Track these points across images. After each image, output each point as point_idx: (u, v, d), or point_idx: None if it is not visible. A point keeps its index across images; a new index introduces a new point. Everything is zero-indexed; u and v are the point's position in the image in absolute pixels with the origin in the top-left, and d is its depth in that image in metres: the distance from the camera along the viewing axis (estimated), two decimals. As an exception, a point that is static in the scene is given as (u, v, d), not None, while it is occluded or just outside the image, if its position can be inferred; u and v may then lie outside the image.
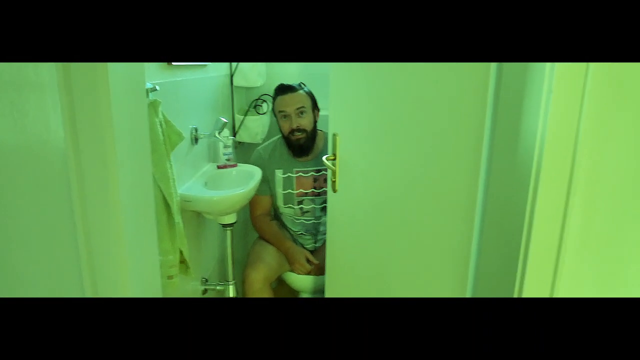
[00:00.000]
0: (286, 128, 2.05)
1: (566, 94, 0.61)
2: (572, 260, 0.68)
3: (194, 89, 1.77)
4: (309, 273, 2.08)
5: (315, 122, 2.10)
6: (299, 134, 2.03)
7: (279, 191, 2.14)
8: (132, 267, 0.81)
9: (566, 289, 0.69)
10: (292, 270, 2.11)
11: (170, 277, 1.31)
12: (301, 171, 2.13)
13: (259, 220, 2.18)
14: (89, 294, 0.78)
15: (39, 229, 0.67)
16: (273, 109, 2.13)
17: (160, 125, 1.23)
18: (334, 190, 1.40)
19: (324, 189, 2.13)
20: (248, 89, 2.51)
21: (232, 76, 2.33)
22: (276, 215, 2.28)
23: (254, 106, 2.38)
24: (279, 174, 2.13)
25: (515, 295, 0.70)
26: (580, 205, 0.65)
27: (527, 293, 0.69)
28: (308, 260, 2.07)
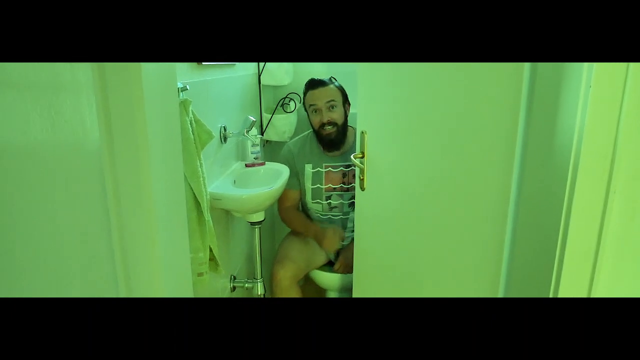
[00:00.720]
0: (317, 122, 2.05)
1: (606, 87, 0.59)
2: (611, 260, 0.65)
3: (222, 88, 1.79)
4: (336, 270, 2.08)
5: (346, 116, 2.09)
6: (330, 127, 2.03)
7: (308, 186, 2.15)
8: (164, 265, 0.82)
9: (605, 289, 0.67)
10: (320, 269, 2.11)
11: (200, 275, 1.33)
12: (330, 166, 2.13)
13: (287, 211, 2.19)
14: (122, 291, 0.80)
15: (75, 227, 0.69)
16: (304, 104, 2.14)
17: (191, 124, 1.24)
18: (362, 188, 1.40)
19: (353, 184, 2.13)
20: (275, 87, 2.52)
21: (259, 75, 2.34)
22: (304, 211, 2.29)
23: (282, 104, 2.39)
24: (308, 169, 2.14)
25: (551, 296, 0.68)
26: (620, 203, 0.63)
27: (564, 293, 0.67)
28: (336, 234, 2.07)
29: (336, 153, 2.12)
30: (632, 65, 0.58)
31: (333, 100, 2.02)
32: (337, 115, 2.03)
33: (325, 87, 2.03)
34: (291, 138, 2.38)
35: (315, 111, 2.04)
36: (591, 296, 0.67)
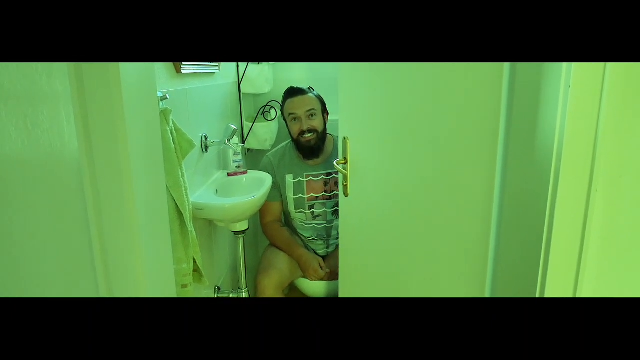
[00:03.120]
0: (296, 130, 2.04)
1: (585, 86, 0.60)
2: (596, 257, 0.66)
3: (202, 97, 1.77)
4: (321, 279, 2.07)
5: (325, 124, 2.10)
6: (310, 135, 2.02)
7: (290, 196, 2.13)
8: (147, 277, 0.81)
9: (590, 286, 0.67)
10: (304, 277, 2.10)
11: (184, 286, 1.31)
12: (311, 175, 2.12)
13: (270, 227, 2.17)
14: (105, 304, 0.78)
15: (55, 241, 0.67)
16: (282, 113, 2.12)
17: (171, 133, 1.23)
18: (346, 194, 1.39)
19: (335, 192, 2.13)
20: (256, 95, 2.52)
21: (239, 83, 2.33)
22: (287, 221, 2.27)
23: (262, 113, 2.39)
24: (289, 179, 2.12)
25: (537, 295, 0.69)
26: (603, 201, 0.64)
27: (550, 291, 0.67)
28: (321, 267, 2.05)
29: (316, 161, 2.12)
30: (610, 65, 0.59)
31: (313, 109, 2.02)
32: (316, 123, 2.03)
33: (305, 96, 2.03)
34: (273, 146, 2.37)
35: (295, 119, 2.04)
36: (577, 292, 0.67)
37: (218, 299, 1.87)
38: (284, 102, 2.09)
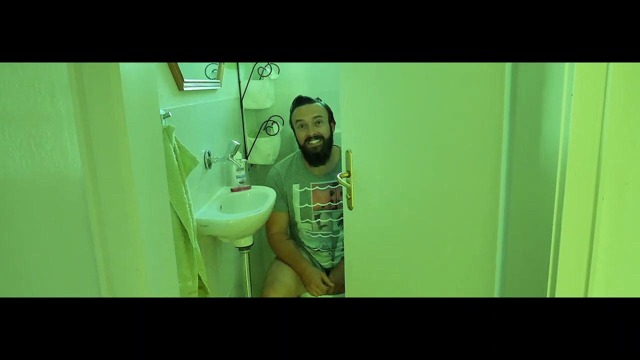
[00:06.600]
0: (303, 136, 2.08)
1: (587, 94, 0.60)
2: (604, 268, 0.65)
3: (204, 113, 1.78)
4: (325, 294, 2.05)
5: (331, 133, 2.14)
6: (316, 141, 2.06)
7: (296, 206, 2.15)
8: (153, 296, 0.80)
9: (601, 290, 0.66)
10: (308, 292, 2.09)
11: (190, 304, 1.30)
12: (318, 185, 2.14)
13: (275, 239, 2.17)
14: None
15: (59, 261, 0.67)
16: (290, 121, 2.17)
17: (174, 150, 1.23)
18: (350, 208, 1.39)
19: (341, 201, 2.14)
20: (258, 111, 2.53)
21: (241, 99, 2.34)
22: (292, 233, 2.27)
23: (265, 128, 2.39)
24: (295, 189, 2.15)
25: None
26: (610, 208, 0.63)
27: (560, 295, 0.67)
28: (324, 282, 2.04)
29: (322, 169, 2.14)
30: (612, 71, 0.59)
31: (319, 116, 2.07)
32: (323, 130, 2.08)
33: (313, 104, 2.09)
34: (276, 161, 2.37)
35: (302, 126, 2.08)
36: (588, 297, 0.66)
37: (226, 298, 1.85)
38: (292, 110, 2.14)
